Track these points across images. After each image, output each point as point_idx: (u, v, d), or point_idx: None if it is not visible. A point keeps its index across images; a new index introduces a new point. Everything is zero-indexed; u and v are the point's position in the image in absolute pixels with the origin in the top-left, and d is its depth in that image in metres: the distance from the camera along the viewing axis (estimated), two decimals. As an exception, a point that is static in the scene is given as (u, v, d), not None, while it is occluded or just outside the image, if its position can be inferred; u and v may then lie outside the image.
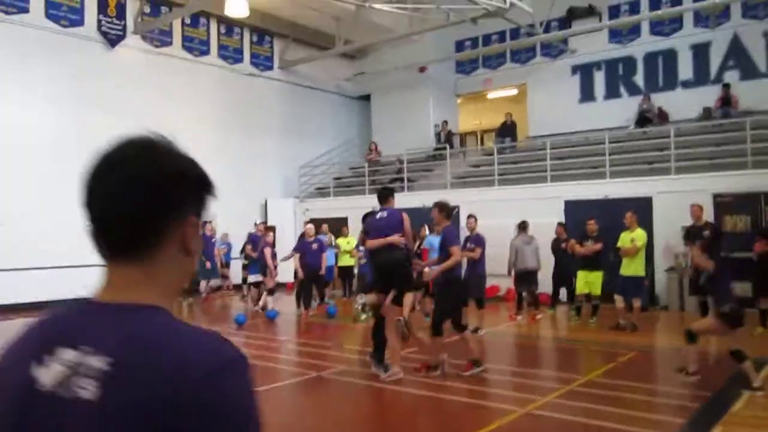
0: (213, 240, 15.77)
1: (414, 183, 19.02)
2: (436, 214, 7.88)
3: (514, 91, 21.90)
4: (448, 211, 7.93)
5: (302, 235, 13.94)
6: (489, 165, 17.59)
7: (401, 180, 18.79)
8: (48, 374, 0.98)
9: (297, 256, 13.28)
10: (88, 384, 0.94)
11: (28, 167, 14.82)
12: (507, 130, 19.47)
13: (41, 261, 14.68)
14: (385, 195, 7.89)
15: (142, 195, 1.06)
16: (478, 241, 10.86)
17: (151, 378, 0.92)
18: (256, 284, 14.22)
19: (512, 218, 13.80)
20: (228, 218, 16.01)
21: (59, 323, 1.07)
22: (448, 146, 19.15)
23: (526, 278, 12.52)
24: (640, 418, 5.78)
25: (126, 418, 0.90)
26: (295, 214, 20.05)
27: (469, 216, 11.51)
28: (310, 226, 14.01)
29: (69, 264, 15.03)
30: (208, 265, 15.34)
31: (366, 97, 23.56)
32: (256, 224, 15.07)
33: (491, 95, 22.75)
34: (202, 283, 15.70)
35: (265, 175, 20.41)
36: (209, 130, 18.81)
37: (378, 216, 7.77)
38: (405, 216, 7.58)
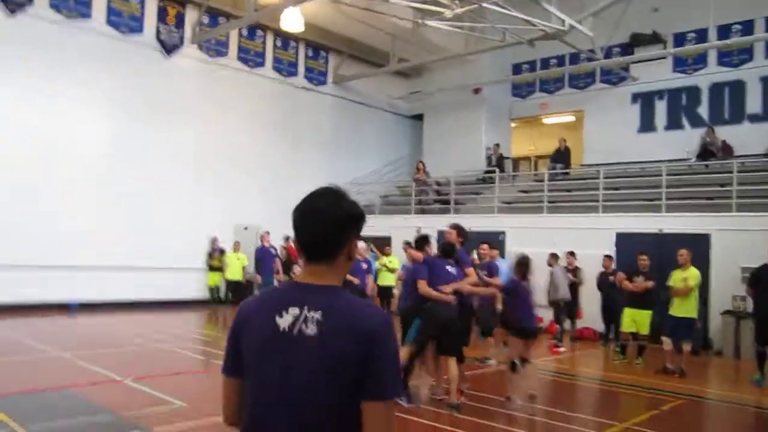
0: (275, 253, 15.58)
1: (461, 206, 18.61)
2: (454, 237, 7.62)
3: (571, 117, 21.29)
4: (465, 234, 7.77)
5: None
6: (539, 191, 17.03)
7: (447, 202, 18.38)
8: (284, 321, 1.78)
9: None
10: (311, 326, 1.75)
11: (82, 169, 15.10)
12: (560, 156, 18.88)
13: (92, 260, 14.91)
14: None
15: (333, 230, 1.86)
16: (491, 269, 9.91)
17: (345, 324, 1.74)
18: None
19: (560, 248, 13.23)
20: (273, 233, 16.01)
21: (286, 293, 1.89)
22: (497, 170, 18.66)
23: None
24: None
25: (334, 344, 1.71)
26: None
27: (483, 243, 10.77)
28: (363, 245, 13.18)
29: (120, 265, 15.34)
30: (260, 279, 15.21)
31: (418, 117, 23.32)
32: (287, 240, 14.88)
33: (547, 120, 22.19)
34: None
35: (312, 189, 20.22)
36: (259, 142, 18.93)
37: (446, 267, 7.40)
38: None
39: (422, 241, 7.63)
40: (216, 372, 7.92)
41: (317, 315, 1.75)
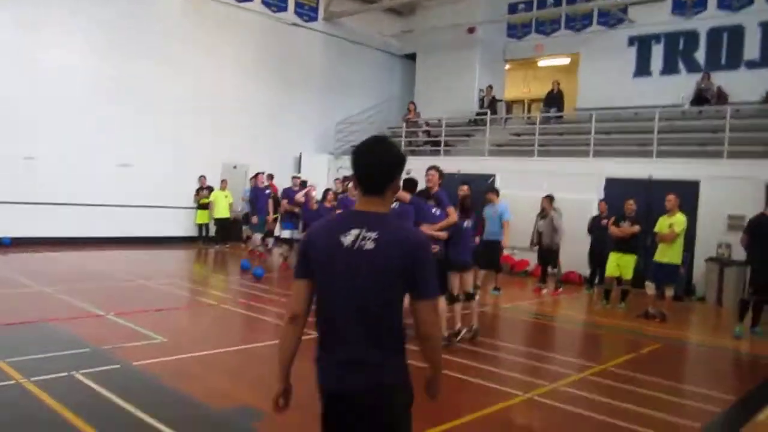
0: (267, 192, 15.04)
1: (451, 148, 18.42)
2: (437, 179, 7.65)
3: (566, 60, 20.89)
4: (443, 176, 7.84)
5: (343, 193, 13.13)
6: (531, 135, 16.83)
7: (438, 144, 18.18)
8: (347, 239, 2.36)
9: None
10: (369, 242, 2.33)
11: (66, 108, 14.77)
12: (553, 99, 18.61)
13: (70, 198, 14.79)
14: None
15: (385, 171, 2.45)
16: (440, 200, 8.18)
17: (394, 241, 2.33)
18: (289, 240, 13.77)
19: (547, 191, 13.15)
20: (260, 169, 15.84)
21: (347, 218, 2.45)
22: (489, 112, 18.40)
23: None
24: (652, 418, 5.28)
25: (386, 255, 2.31)
26: (329, 171, 19.69)
27: (462, 184, 10.20)
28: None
29: (100, 203, 15.24)
30: (255, 219, 14.77)
31: (411, 56, 22.81)
32: (293, 178, 14.47)
33: (542, 63, 21.80)
34: (256, 236, 15.07)
35: (301, 129, 20.05)
36: (247, 80, 18.53)
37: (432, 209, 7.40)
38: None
39: (410, 184, 7.56)
40: (198, 308, 7.90)
41: (373, 234, 2.35)
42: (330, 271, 2.39)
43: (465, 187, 10.64)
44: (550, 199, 12.44)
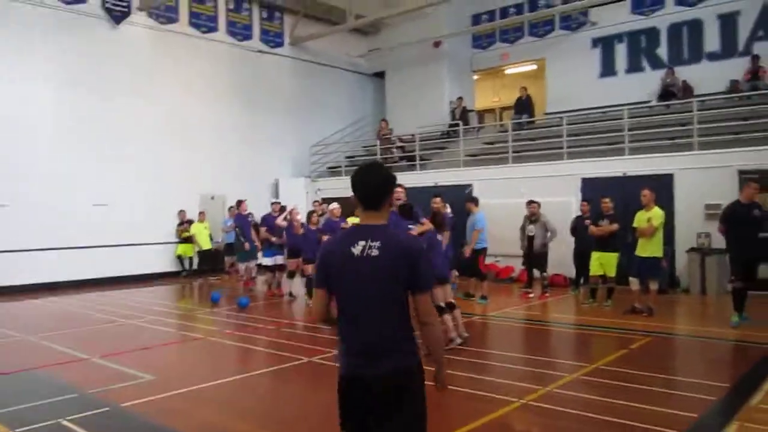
0: (250, 219, 14.61)
1: (427, 161, 18.49)
2: (404, 195, 8.18)
3: (532, 66, 21.14)
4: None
5: (321, 215, 12.89)
6: (504, 142, 16.96)
7: (413, 159, 18.23)
8: (356, 250, 2.82)
9: (325, 238, 11.98)
10: (375, 250, 2.80)
11: (35, 150, 14.65)
12: (523, 105, 18.78)
13: (47, 243, 14.60)
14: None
15: (383, 186, 2.93)
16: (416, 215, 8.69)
17: (395, 247, 2.82)
18: (272, 268, 13.62)
19: (526, 198, 13.23)
20: (238, 198, 15.63)
21: (354, 233, 2.89)
22: (461, 123, 18.52)
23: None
24: (649, 412, 5.27)
25: (390, 259, 2.79)
26: (307, 194, 19.65)
27: (435, 196, 10.95)
28: (336, 205, 12.15)
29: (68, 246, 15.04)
30: (247, 246, 14.18)
31: (380, 74, 23.01)
32: (273, 204, 14.27)
33: (509, 71, 22.03)
34: (241, 266, 14.71)
35: (276, 155, 20.03)
36: (218, 109, 18.52)
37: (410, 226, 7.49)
38: None
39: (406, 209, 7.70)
40: (185, 343, 7.78)
41: (377, 244, 2.81)
42: (346, 277, 2.86)
43: (437, 200, 10.80)
44: (536, 204, 12.44)
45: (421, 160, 18.32)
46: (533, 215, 12.40)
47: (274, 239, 13.28)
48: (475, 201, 12.20)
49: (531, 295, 12.37)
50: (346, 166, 20.20)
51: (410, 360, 2.86)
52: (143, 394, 6.10)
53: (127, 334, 9.62)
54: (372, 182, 2.91)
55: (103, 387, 6.36)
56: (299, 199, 18.31)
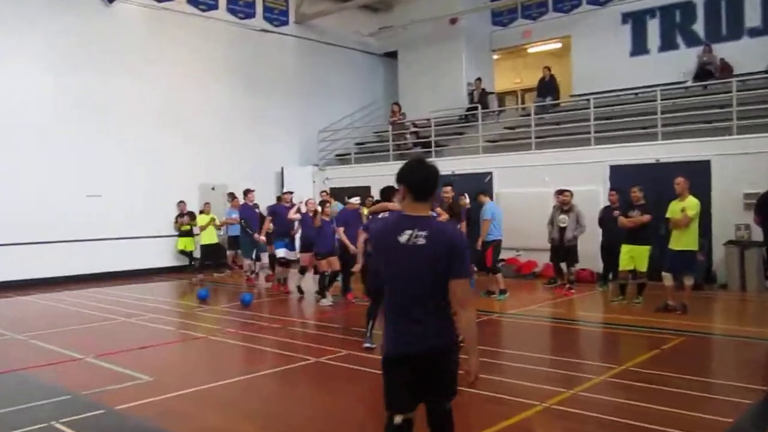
0: (257, 210, 14.80)
1: (443, 148, 18.47)
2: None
3: (557, 44, 21.05)
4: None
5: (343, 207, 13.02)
6: (526, 127, 16.89)
7: (428, 145, 18.21)
8: (402, 238, 3.32)
9: (341, 230, 11.46)
10: (421, 239, 3.29)
11: (23, 136, 14.80)
12: (546, 87, 18.69)
13: (38, 236, 14.76)
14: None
15: (435, 179, 3.43)
16: None
17: (439, 238, 3.31)
18: (282, 261, 13.63)
19: (550, 186, 13.20)
20: (241, 188, 15.67)
21: (400, 221, 3.39)
22: (480, 106, 18.45)
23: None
24: (682, 416, 5.27)
25: (434, 248, 3.28)
26: (314, 183, 19.69)
27: (445, 185, 10.85)
28: (357, 198, 12.19)
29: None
30: (263, 238, 14.06)
31: (392, 54, 22.96)
32: (285, 194, 14.26)
33: (532, 49, 21.92)
34: (246, 261, 14.82)
35: (282, 141, 20.09)
36: (218, 93, 18.59)
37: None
38: None
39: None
40: (185, 342, 7.85)
41: (423, 233, 3.28)
42: (392, 263, 3.39)
43: (448, 189, 10.88)
44: (570, 193, 12.37)
45: (437, 146, 18.28)
46: (565, 204, 12.31)
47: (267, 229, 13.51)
48: (486, 193, 12.40)
49: (572, 291, 12.34)
50: (355, 153, 20.21)
51: (449, 338, 3.40)
52: (141, 396, 6.17)
53: (122, 332, 9.72)
54: (426, 175, 3.39)
55: (98, 388, 6.43)
56: (306, 189, 18.36)
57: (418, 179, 3.38)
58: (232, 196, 15.80)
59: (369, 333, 8.06)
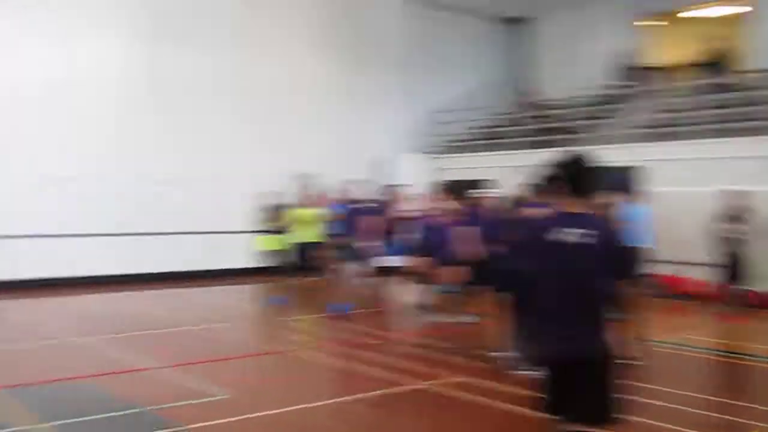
0: (361, 206, 14.05)
1: (583, 135, 18.00)
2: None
3: (734, 8, 20.07)
4: None
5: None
6: (691, 110, 16.28)
7: (564, 131, 17.81)
8: (568, 237, 3.85)
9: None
10: (591, 239, 3.83)
11: (97, 105, 15.60)
12: (715, 62, 17.88)
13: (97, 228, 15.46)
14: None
15: (596, 177, 4.03)
16: None
17: (608, 238, 3.94)
18: (389, 270, 13.47)
19: (714, 185, 12.61)
20: (332, 179, 15.76)
21: (564, 218, 3.91)
22: (631, 85, 17.89)
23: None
24: None
25: (604, 247, 3.85)
26: (424, 174, 19.55)
27: None
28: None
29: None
30: (369, 242, 13.54)
31: (516, 20, 22.78)
32: (394, 188, 14.29)
33: (698, 13, 21.02)
34: (349, 266, 14.85)
35: (384, 124, 20.15)
36: (308, 68, 18.89)
37: None
38: None
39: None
40: (267, 357, 7.98)
41: (594, 232, 3.76)
42: (549, 259, 3.89)
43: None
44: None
45: (575, 133, 17.84)
46: (745, 211, 11.96)
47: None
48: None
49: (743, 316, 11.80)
50: (475, 139, 19.98)
51: (603, 344, 3.78)
52: (215, 416, 6.33)
53: (194, 341, 10.08)
54: (593, 172, 3.92)
55: (166, 404, 6.68)
56: (416, 181, 18.22)
57: (582, 176, 3.90)
58: (346, 187, 15.66)
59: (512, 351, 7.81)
